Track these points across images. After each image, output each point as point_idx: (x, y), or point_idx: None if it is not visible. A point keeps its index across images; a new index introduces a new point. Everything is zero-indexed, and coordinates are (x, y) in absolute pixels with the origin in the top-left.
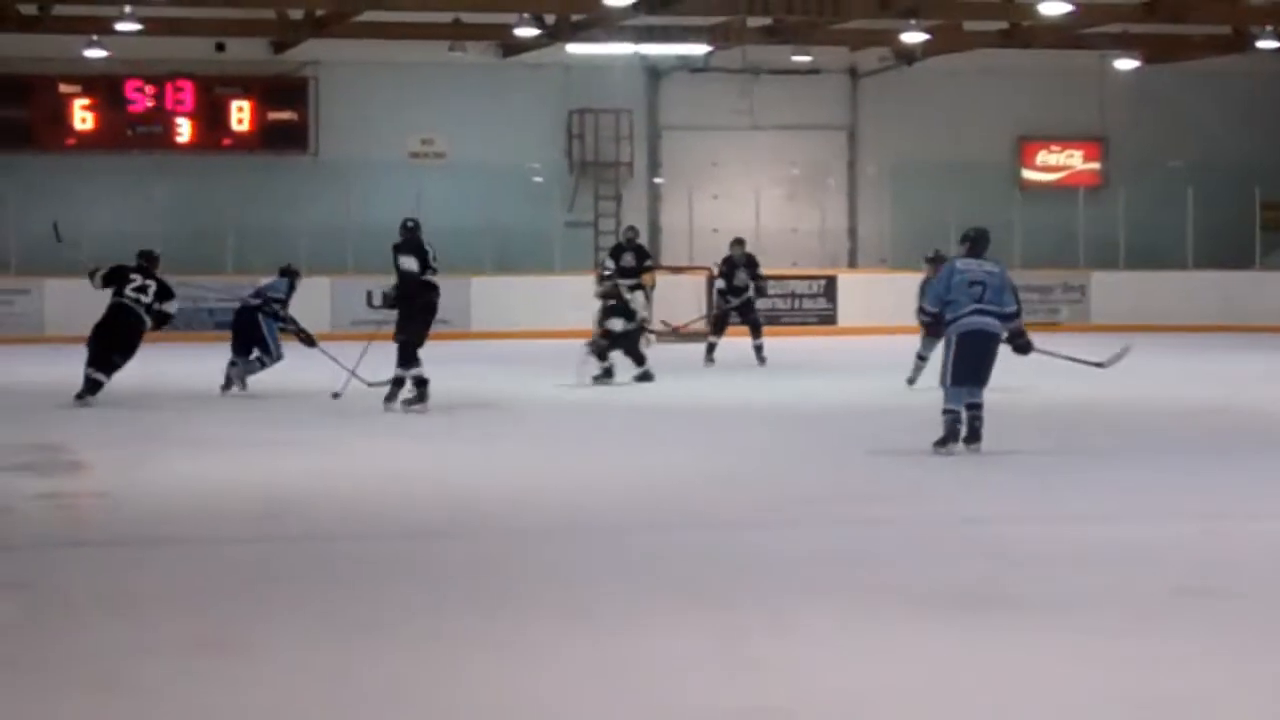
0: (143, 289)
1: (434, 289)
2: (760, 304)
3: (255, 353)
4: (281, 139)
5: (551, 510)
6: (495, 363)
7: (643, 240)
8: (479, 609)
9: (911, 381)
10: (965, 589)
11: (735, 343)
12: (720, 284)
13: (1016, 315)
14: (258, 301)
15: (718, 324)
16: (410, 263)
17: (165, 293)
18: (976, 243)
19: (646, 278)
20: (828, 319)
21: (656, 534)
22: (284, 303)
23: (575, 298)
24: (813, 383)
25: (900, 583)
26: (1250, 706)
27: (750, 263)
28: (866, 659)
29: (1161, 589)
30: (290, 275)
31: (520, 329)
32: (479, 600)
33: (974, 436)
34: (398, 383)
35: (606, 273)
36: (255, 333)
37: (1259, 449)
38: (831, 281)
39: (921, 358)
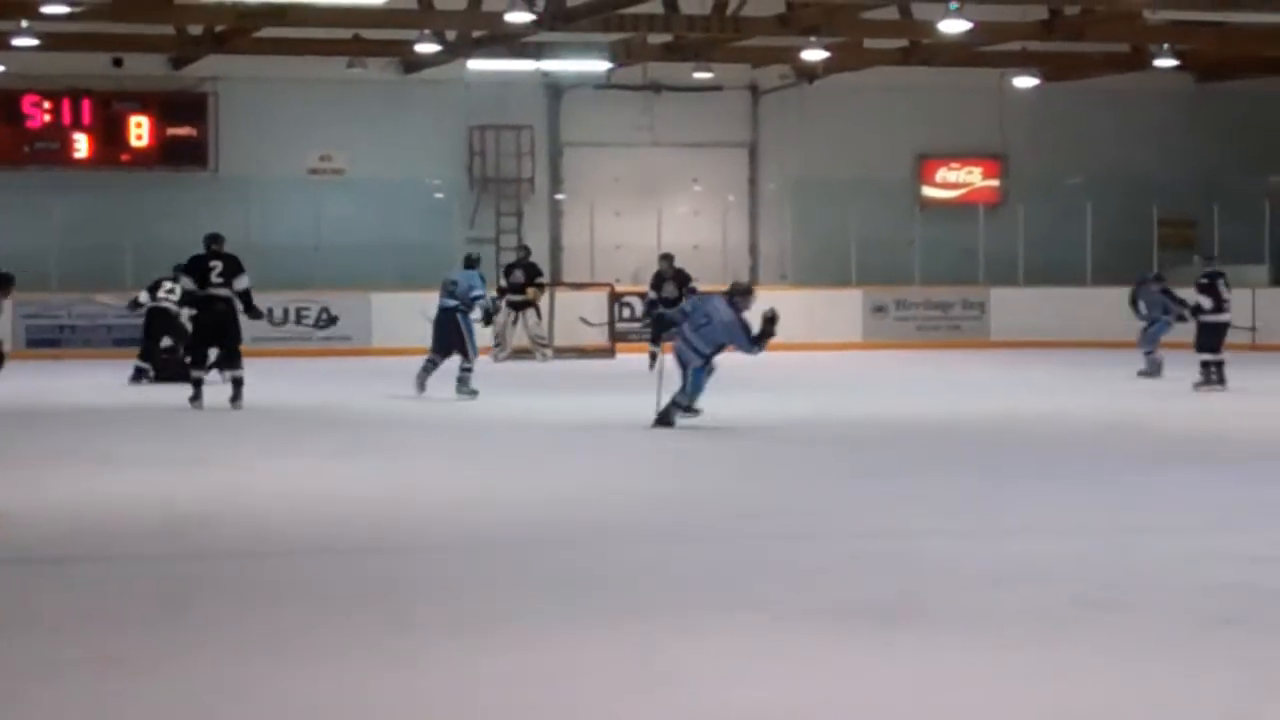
0: None
1: (218, 300)
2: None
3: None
4: (180, 155)
5: (456, 526)
6: (396, 379)
7: (534, 258)
8: (381, 626)
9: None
10: (877, 603)
11: (635, 358)
12: (651, 295)
13: None
14: (454, 303)
15: (655, 333)
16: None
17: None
18: None
19: (531, 292)
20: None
21: (564, 549)
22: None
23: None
24: (719, 398)
25: (812, 597)
26: (1152, 717)
27: (679, 276)
28: (777, 673)
29: (1067, 602)
30: (475, 264)
31: (421, 345)
32: (381, 617)
33: None
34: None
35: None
36: (456, 335)
37: (1158, 463)
38: None
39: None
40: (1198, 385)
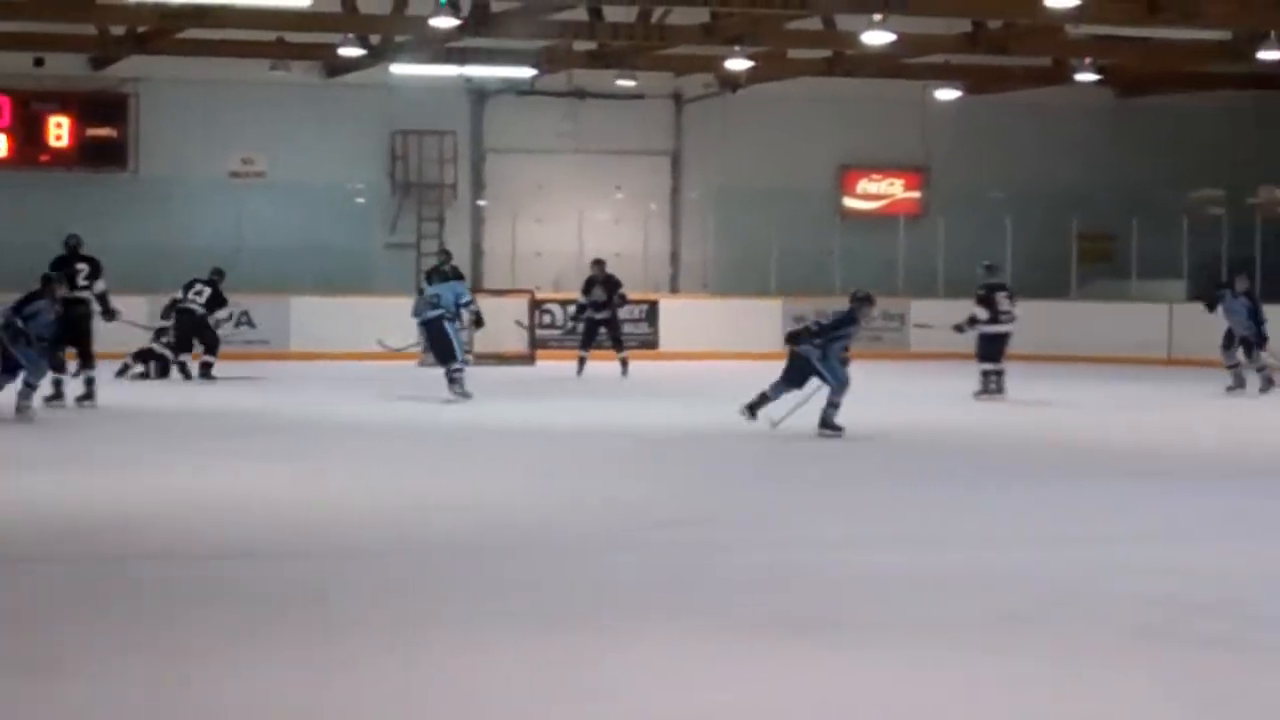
0: None
1: (80, 302)
2: (582, 329)
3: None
4: (100, 156)
5: (377, 532)
6: (314, 383)
7: (457, 262)
8: (298, 631)
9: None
10: (798, 614)
11: (555, 365)
12: (582, 299)
13: None
14: (438, 313)
15: (584, 339)
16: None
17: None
18: None
19: None
20: (649, 343)
21: (489, 556)
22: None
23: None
24: (648, 407)
25: (734, 608)
26: None
27: (609, 281)
28: (697, 683)
29: (986, 614)
30: (458, 275)
31: (340, 350)
32: (298, 622)
33: None
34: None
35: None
36: (445, 340)
37: (1076, 475)
38: (654, 306)
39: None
40: (977, 394)
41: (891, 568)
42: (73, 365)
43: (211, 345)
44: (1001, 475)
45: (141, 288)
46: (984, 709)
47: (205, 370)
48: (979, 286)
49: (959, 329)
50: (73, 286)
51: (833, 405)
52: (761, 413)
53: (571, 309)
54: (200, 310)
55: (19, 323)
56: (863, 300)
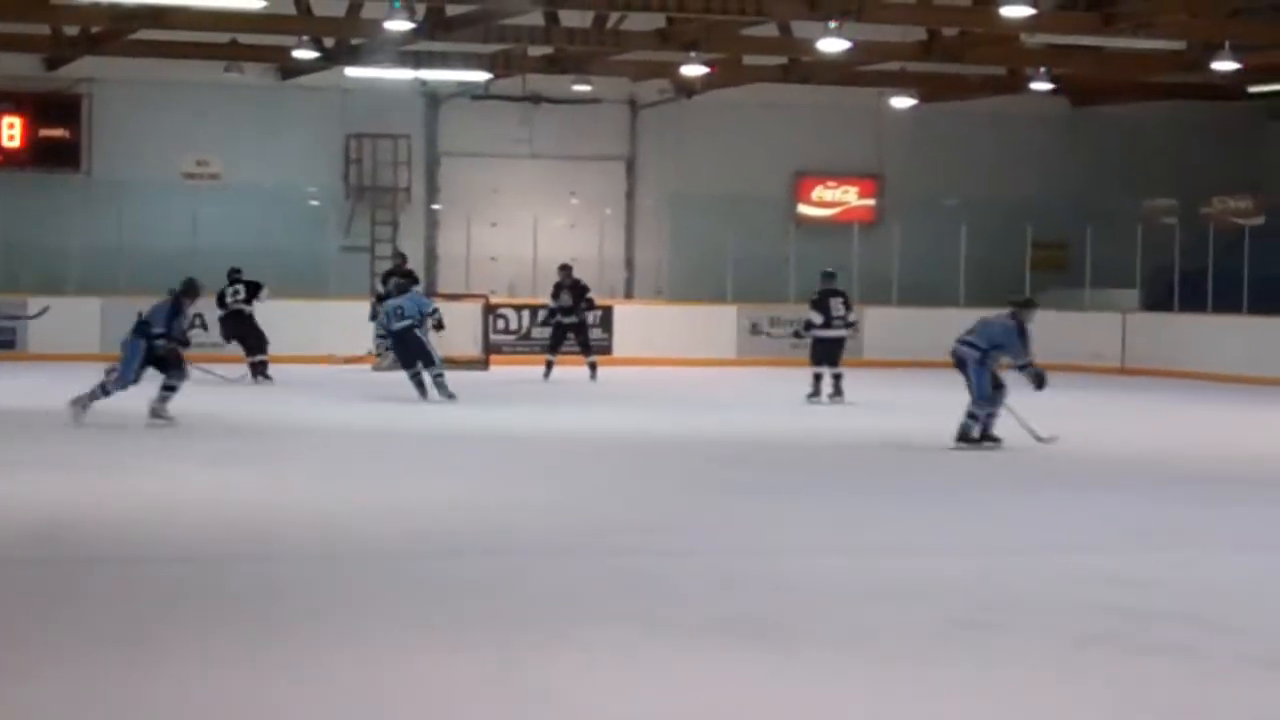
0: None
1: None
2: (536, 333)
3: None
4: (53, 156)
5: (327, 536)
6: (268, 387)
7: (411, 266)
8: (251, 632)
9: None
10: (746, 621)
11: (509, 370)
12: (550, 304)
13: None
14: (407, 323)
15: (552, 343)
16: None
17: None
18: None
19: None
20: (604, 349)
21: (439, 560)
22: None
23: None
24: (600, 413)
25: (683, 613)
26: None
27: (576, 286)
28: (637, 689)
29: (939, 622)
30: (416, 281)
31: (293, 353)
32: (251, 624)
33: None
34: None
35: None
36: (419, 347)
37: (1027, 485)
38: (608, 312)
39: None
40: (809, 397)
41: (845, 576)
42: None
43: (261, 344)
44: (954, 484)
45: (96, 289)
46: (923, 717)
47: (261, 370)
48: (814, 292)
49: (797, 334)
50: None
51: (971, 417)
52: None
53: (525, 314)
54: (248, 309)
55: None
56: (1023, 306)
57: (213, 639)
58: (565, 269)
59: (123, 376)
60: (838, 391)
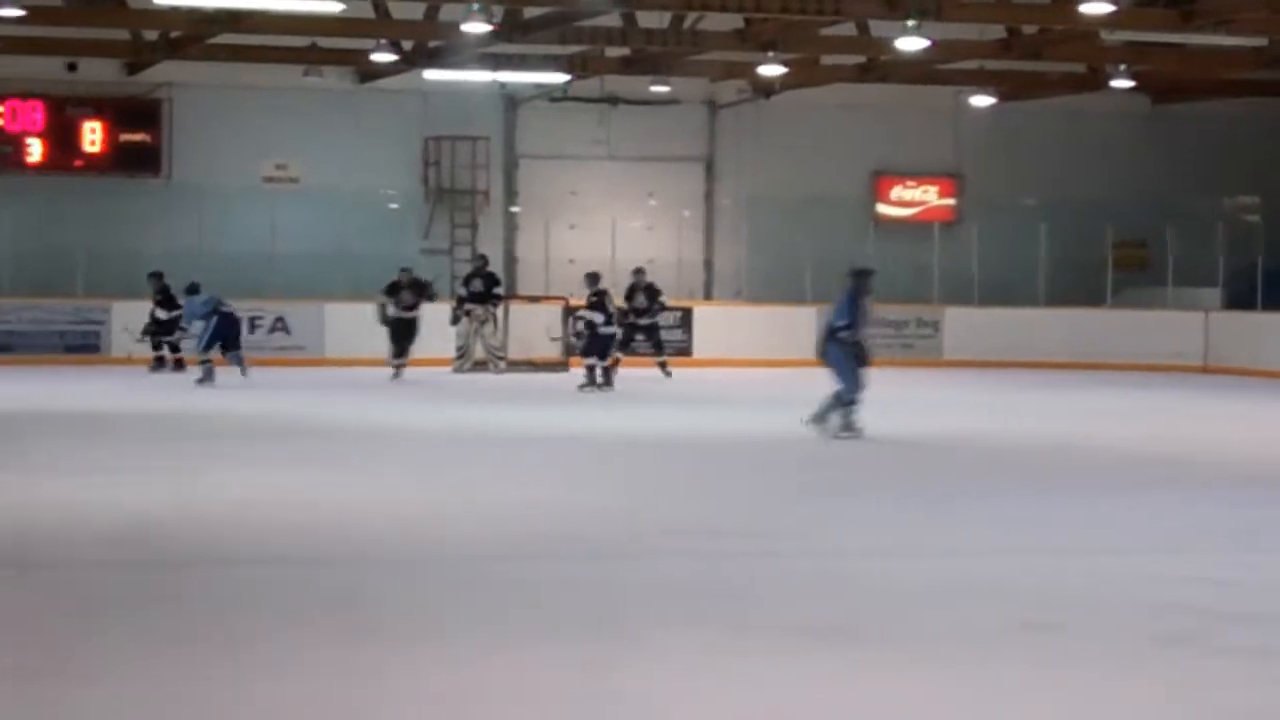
0: None
1: None
2: (639, 336)
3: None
4: (134, 161)
5: (406, 539)
6: (350, 389)
7: (492, 267)
8: (334, 637)
9: None
10: (822, 623)
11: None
12: (624, 305)
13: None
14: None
15: (622, 343)
16: None
17: None
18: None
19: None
20: (683, 350)
21: (522, 564)
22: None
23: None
24: (680, 414)
25: (759, 615)
26: None
27: (649, 289)
28: (723, 691)
29: (1005, 622)
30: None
31: (375, 356)
32: (334, 628)
33: None
34: None
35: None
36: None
37: (1104, 485)
38: (687, 313)
39: None
40: (581, 387)
41: (914, 577)
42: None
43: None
44: (1028, 485)
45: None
46: (995, 717)
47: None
48: (591, 294)
49: (577, 335)
50: None
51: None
52: None
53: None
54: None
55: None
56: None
57: (294, 641)
58: (639, 271)
59: (856, 385)
60: (608, 382)
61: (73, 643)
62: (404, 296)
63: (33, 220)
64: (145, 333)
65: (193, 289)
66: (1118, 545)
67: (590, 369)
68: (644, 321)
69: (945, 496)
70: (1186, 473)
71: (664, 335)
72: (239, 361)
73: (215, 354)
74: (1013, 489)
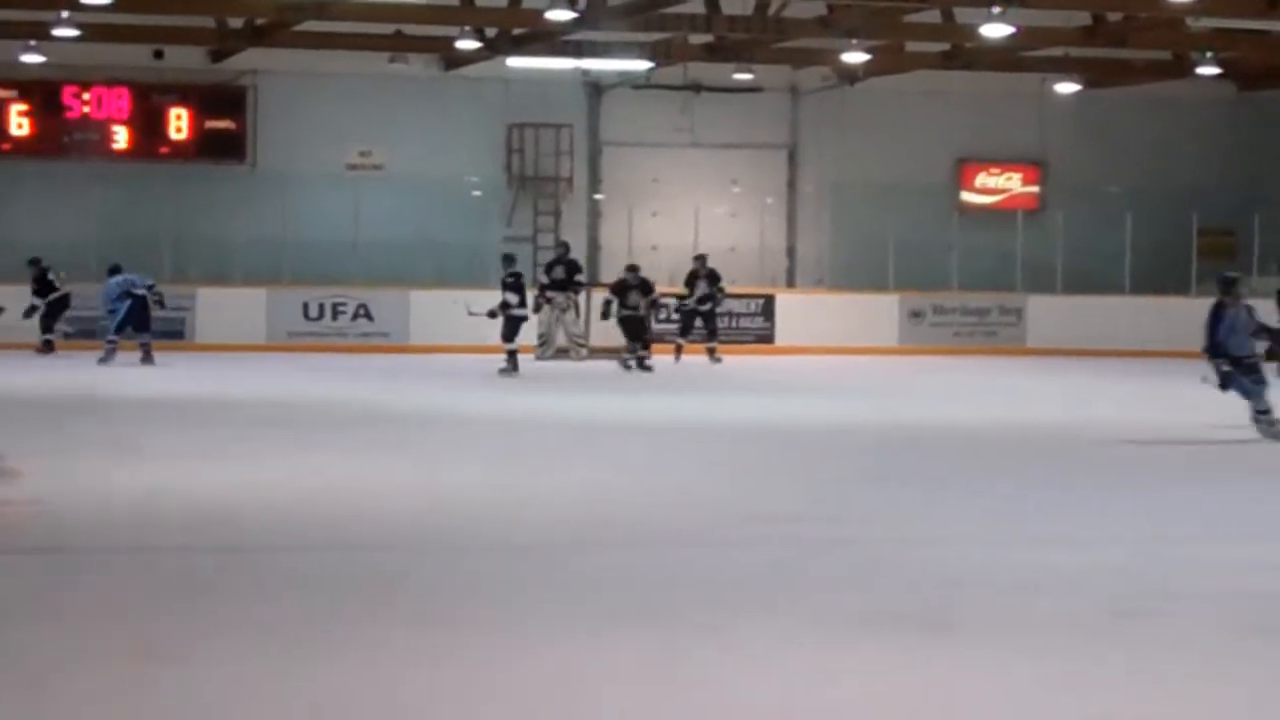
0: None
1: None
2: (699, 323)
3: None
4: (219, 148)
5: (483, 525)
6: (433, 377)
7: (575, 255)
8: (415, 622)
9: None
10: (907, 611)
11: (669, 360)
12: (684, 291)
13: None
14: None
15: (682, 328)
16: None
17: None
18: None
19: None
20: (765, 338)
21: (599, 551)
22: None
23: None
24: (759, 401)
25: (843, 603)
26: None
27: (711, 275)
28: (805, 679)
29: (1098, 610)
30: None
31: (458, 343)
32: (415, 613)
33: None
34: None
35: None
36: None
37: (1192, 474)
38: (769, 300)
39: None
40: (501, 371)
41: (1001, 565)
42: None
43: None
44: (1114, 474)
45: (260, 280)
46: (1099, 706)
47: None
48: (506, 275)
49: (492, 314)
50: None
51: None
52: None
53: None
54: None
55: None
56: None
57: (368, 626)
58: (700, 258)
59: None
60: (515, 368)
61: (156, 625)
62: (631, 297)
63: (119, 207)
64: (25, 316)
65: (113, 270)
66: (1204, 534)
67: (511, 354)
68: (704, 308)
69: (1032, 485)
70: (1274, 461)
71: (743, 323)
72: (145, 346)
73: (142, 337)
74: (1096, 477)
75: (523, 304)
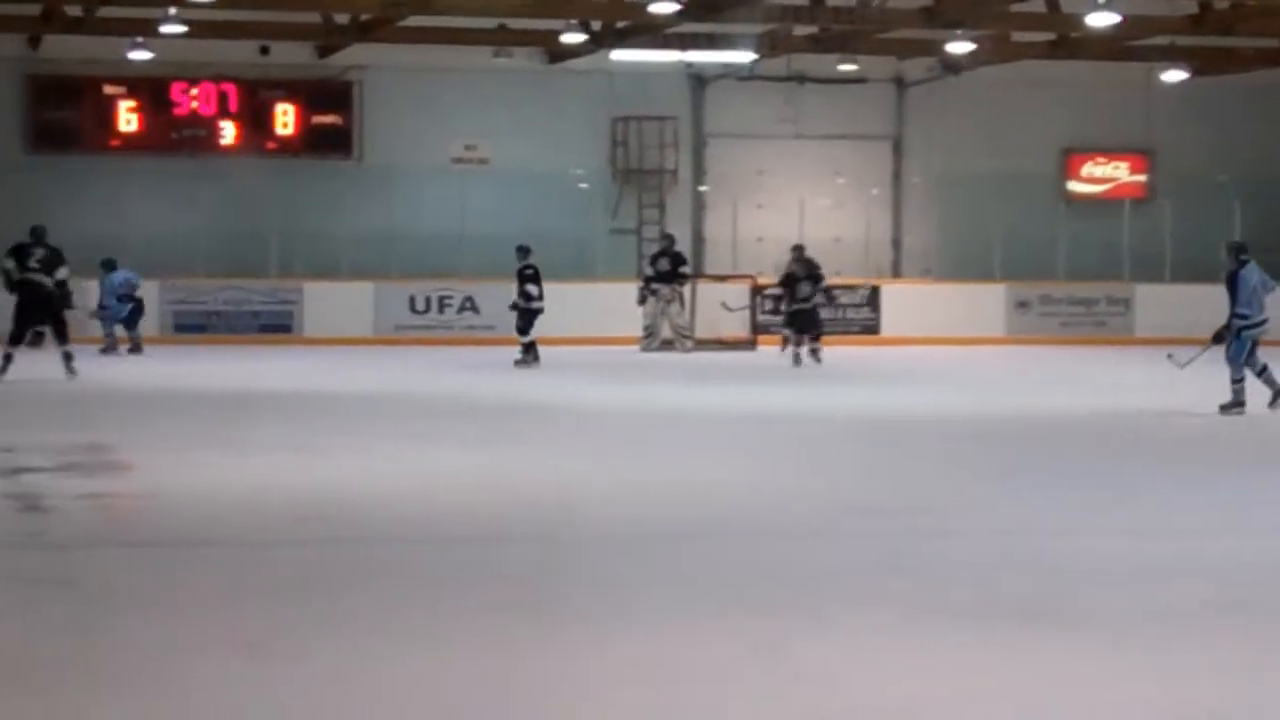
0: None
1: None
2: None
3: None
4: (325, 143)
5: (588, 517)
6: (540, 369)
7: (680, 247)
8: (521, 613)
9: None
10: (1014, 602)
11: (775, 351)
12: (779, 292)
13: None
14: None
15: (795, 323)
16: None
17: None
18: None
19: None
20: (871, 329)
21: (704, 542)
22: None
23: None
24: (865, 392)
25: (950, 594)
26: None
27: (809, 265)
28: (907, 671)
29: (1201, 603)
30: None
31: (564, 335)
32: (521, 605)
33: None
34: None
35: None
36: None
37: None
38: (875, 291)
39: None
40: (518, 363)
41: (1110, 556)
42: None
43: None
44: (1222, 463)
45: (367, 274)
46: (1211, 698)
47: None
48: (524, 266)
49: (514, 307)
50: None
51: None
52: None
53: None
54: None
55: None
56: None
57: (477, 621)
58: (798, 249)
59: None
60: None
61: (265, 618)
62: (801, 288)
63: (226, 202)
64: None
65: (110, 265)
66: None
67: (529, 346)
68: (807, 306)
69: (1141, 475)
70: None
71: (849, 314)
72: (134, 339)
73: (133, 333)
74: (1199, 468)
75: (541, 296)
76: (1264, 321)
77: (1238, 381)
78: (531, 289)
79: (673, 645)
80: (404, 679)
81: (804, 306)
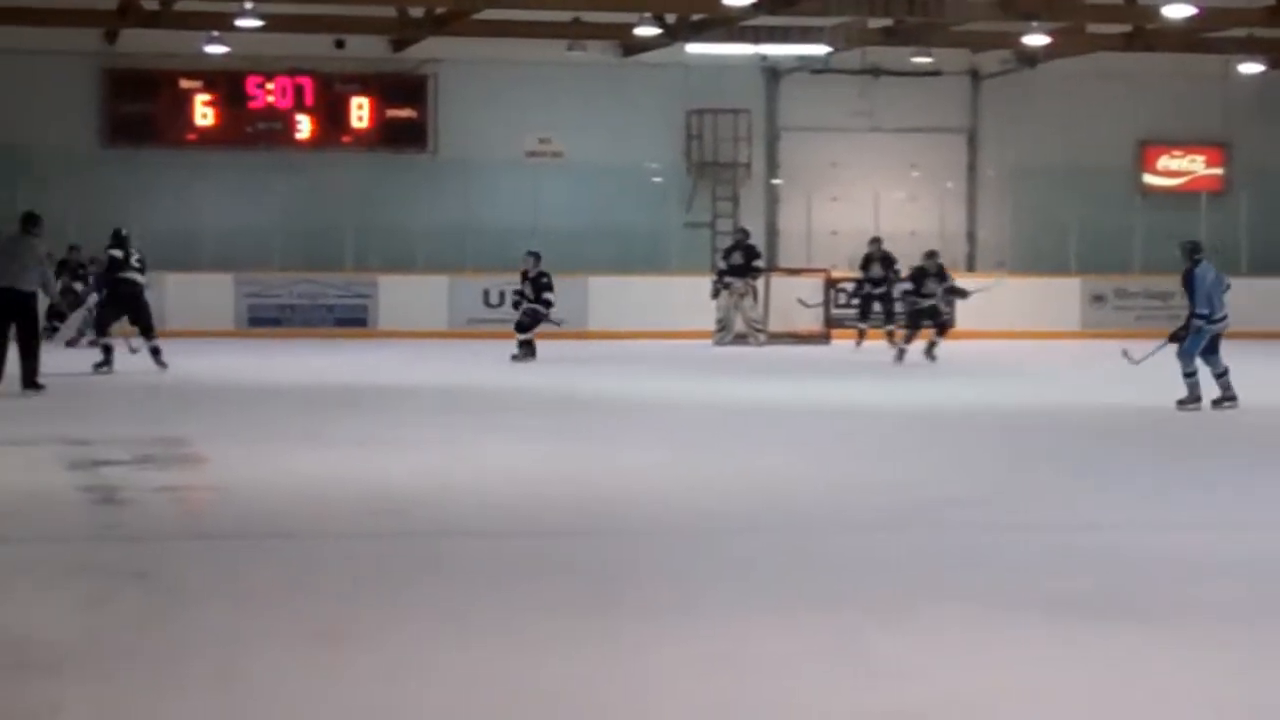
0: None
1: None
2: (876, 307)
3: None
4: (400, 137)
5: (663, 511)
6: (612, 363)
7: (754, 240)
8: (589, 606)
9: None
10: (1083, 596)
11: (849, 345)
12: (909, 286)
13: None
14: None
15: (861, 313)
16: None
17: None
18: None
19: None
20: (944, 322)
21: (783, 535)
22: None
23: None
24: (939, 385)
25: (1018, 588)
26: None
27: (885, 258)
28: (979, 663)
29: (1265, 598)
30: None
31: (637, 329)
32: (588, 597)
33: None
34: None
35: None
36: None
37: None
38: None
39: None
40: (515, 357)
41: (1178, 551)
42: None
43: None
44: None
45: (442, 268)
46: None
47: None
48: (539, 272)
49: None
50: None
51: None
52: None
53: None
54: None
55: None
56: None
57: (544, 614)
58: (875, 241)
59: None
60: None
61: (339, 610)
62: (928, 284)
63: (302, 196)
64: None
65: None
66: None
67: (529, 341)
68: (879, 291)
69: (1211, 470)
70: None
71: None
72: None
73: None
74: (1267, 463)
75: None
76: (1224, 318)
77: (1189, 375)
78: (550, 296)
79: (748, 637)
80: (470, 668)
81: (929, 303)
